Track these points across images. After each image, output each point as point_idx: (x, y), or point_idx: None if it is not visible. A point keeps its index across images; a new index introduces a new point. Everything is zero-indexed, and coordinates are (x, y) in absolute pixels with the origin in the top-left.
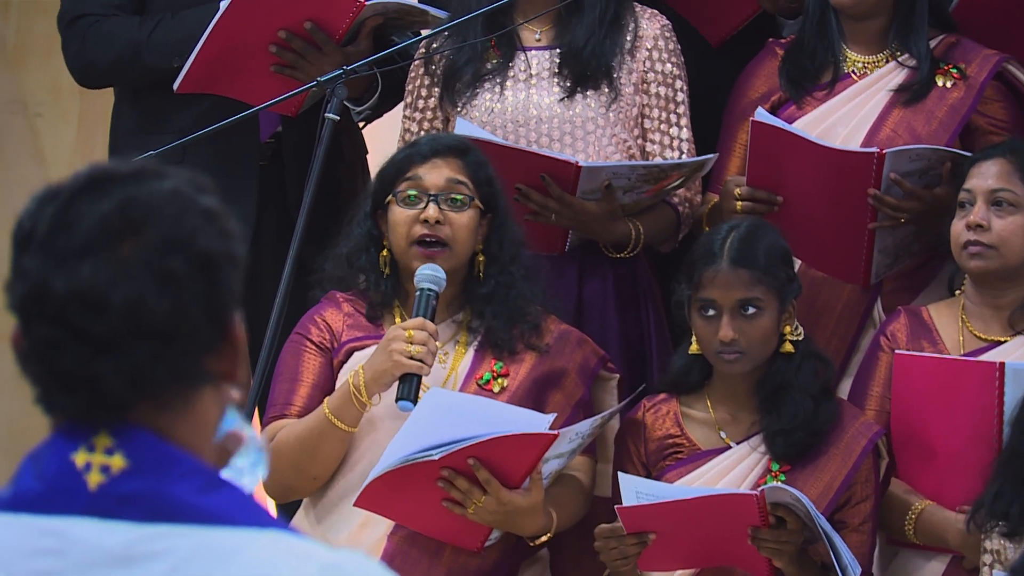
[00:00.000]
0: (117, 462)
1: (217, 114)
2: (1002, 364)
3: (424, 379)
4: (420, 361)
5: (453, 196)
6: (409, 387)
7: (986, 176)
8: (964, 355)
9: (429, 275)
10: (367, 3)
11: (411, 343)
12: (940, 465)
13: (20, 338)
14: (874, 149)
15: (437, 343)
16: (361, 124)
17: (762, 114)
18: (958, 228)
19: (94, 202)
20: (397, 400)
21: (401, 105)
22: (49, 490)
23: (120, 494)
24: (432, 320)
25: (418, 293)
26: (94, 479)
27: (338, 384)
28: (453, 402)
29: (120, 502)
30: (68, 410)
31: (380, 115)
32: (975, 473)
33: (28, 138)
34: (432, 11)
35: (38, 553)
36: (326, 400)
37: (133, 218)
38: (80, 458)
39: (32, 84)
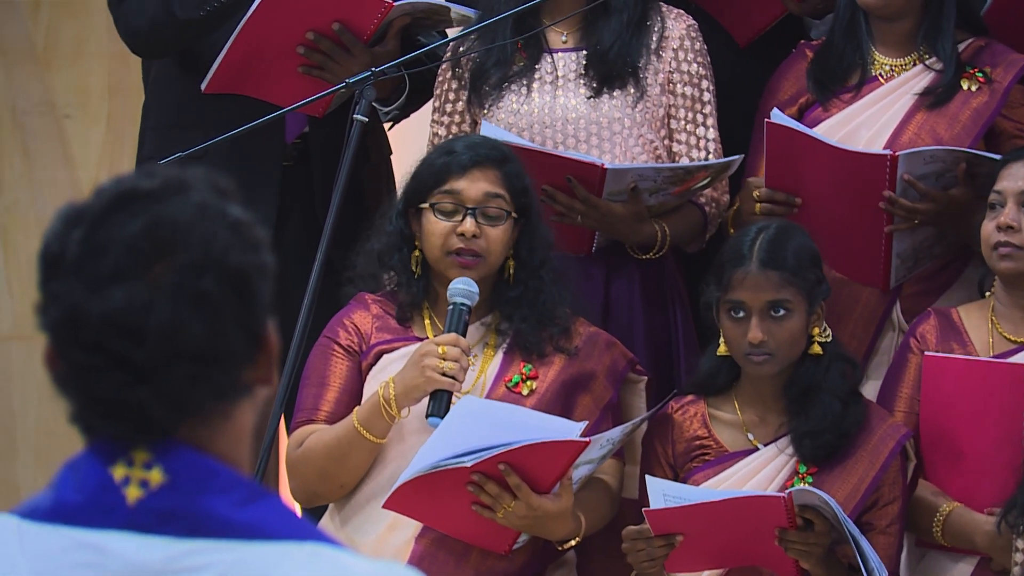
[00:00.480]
0: (156, 477)
1: (245, 111)
2: None
3: None
4: (452, 378)
5: (490, 210)
6: (440, 404)
7: (1016, 177)
8: (993, 357)
9: (462, 289)
10: (395, 4)
11: (444, 359)
12: (969, 467)
13: (55, 359)
14: (887, 151)
15: (470, 358)
16: (388, 124)
17: (777, 115)
18: (988, 229)
19: (122, 224)
20: (427, 416)
21: (427, 106)
22: (88, 503)
23: (159, 510)
24: (464, 335)
25: (451, 308)
26: (133, 494)
27: (366, 388)
28: (485, 409)
29: (159, 518)
30: (108, 433)
31: (407, 115)
32: (1004, 475)
33: (57, 140)
34: (462, 9)
35: (78, 566)
36: (355, 411)
37: (162, 240)
38: (119, 472)
39: (61, 86)
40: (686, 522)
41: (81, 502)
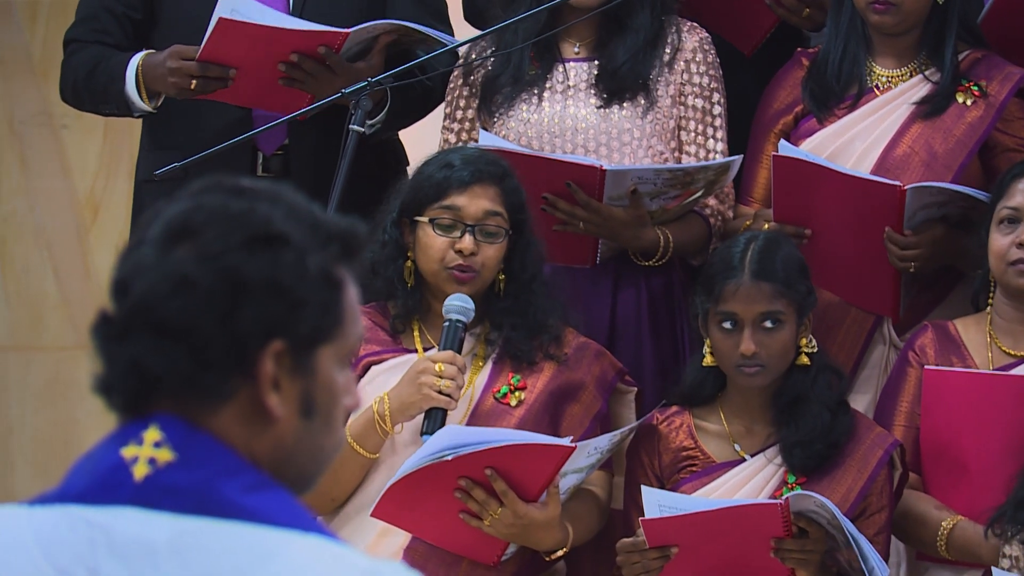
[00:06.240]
0: (164, 455)
1: (231, 131)
2: None
3: None
4: (448, 396)
5: (489, 228)
6: (434, 422)
7: None
8: (993, 371)
9: (458, 306)
10: (382, 21)
11: (440, 377)
12: (972, 480)
13: None
14: (897, 183)
15: (465, 376)
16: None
17: (785, 147)
18: (1003, 245)
19: (177, 202)
20: (422, 434)
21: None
22: (96, 483)
23: (165, 486)
24: (460, 352)
25: (446, 324)
26: (140, 471)
27: None
28: (471, 433)
29: (165, 493)
30: (97, 389)
31: (392, 131)
32: (1008, 488)
33: (54, 150)
34: (440, 36)
35: (86, 543)
36: (348, 425)
37: (191, 224)
38: (129, 452)
39: (58, 96)
40: (682, 532)
41: (89, 483)
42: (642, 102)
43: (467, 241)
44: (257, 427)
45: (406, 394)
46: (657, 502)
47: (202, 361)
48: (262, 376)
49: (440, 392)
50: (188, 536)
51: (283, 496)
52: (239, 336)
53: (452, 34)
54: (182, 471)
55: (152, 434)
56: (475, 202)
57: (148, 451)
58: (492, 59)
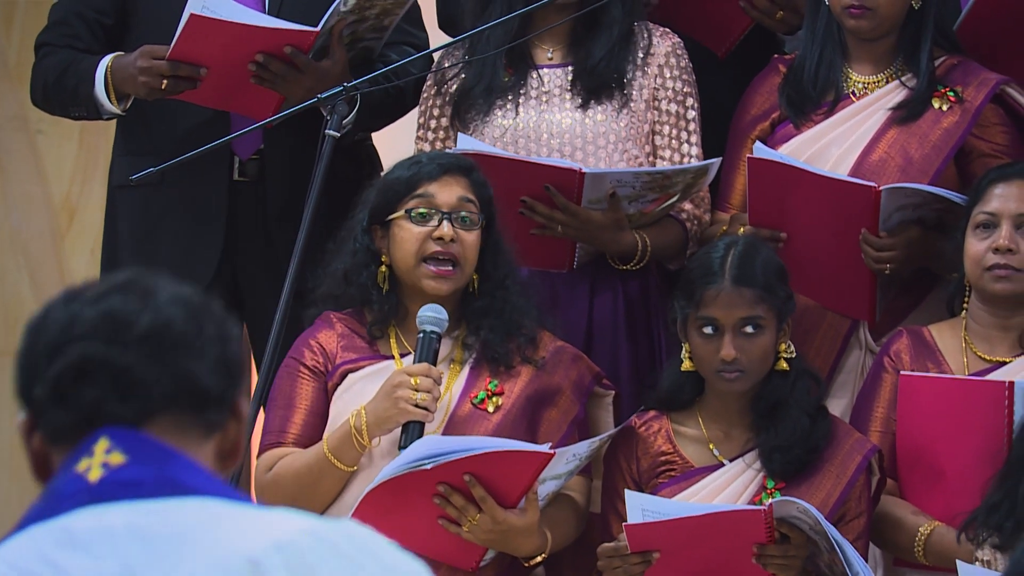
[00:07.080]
0: (116, 458)
1: (208, 137)
2: (1011, 383)
3: None
4: (424, 409)
5: (464, 215)
6: (412, 435)
7: (1009, 198)
8: (969, 376)
9: (432, 317)
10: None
11: (416, 390)
12: (949, 486)
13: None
14: (872, 184)
15: (441, 388)
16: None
17: (760, 149)
18: (979, 250)
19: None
20: (400, 448)
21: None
22: (54, 499)
23: (121, 480)
24: (435, 363)
25: (420, 336)
26: (95, 474)
27: (332, 407)
28: (449, 442)
29: (122, 487)
30: (74, 418)
31: (365, 133)
32: (983, 493)
33: (29, 155)
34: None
35: (51, 550)
36: (325, 438)
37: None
38: (82, 465)
39: None
40: (665, 537)
41: (48, 501)
42: (617, 106)
43: (445, 228)
44: (216, 470)
45: (382, 408)
46: (640, 506)
47: (200, 381)
48: (240, 415)
49: (417, 405)
50: (146, 515)
51: (237, 491)
52: (226, 364)
53: (427, 38)
54: (136, 467)
55: (102, 444)
56: (448, 189)
57: (100, 458)
58: (466, 67)
